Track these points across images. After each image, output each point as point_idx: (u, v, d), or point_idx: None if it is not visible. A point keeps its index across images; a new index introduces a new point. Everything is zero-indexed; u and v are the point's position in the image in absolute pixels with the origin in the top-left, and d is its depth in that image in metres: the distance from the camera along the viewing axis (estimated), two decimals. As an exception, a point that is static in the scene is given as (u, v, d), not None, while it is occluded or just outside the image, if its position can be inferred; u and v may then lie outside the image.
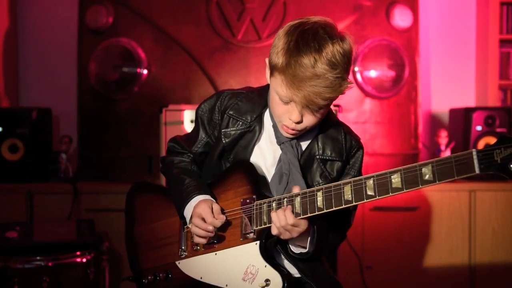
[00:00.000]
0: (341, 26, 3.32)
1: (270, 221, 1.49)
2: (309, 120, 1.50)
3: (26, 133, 3.15)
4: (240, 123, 1.62)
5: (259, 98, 1.64)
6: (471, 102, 3.80)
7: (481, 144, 3.24)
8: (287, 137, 1.57)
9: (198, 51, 3.32)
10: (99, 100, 3.34)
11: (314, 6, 3.33)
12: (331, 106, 1.60)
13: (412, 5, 3.37)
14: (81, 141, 3.37)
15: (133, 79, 3.28)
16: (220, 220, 1.53)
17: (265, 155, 1.62)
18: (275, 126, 1.59)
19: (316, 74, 1.40)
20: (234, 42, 3.32)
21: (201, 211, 1.54)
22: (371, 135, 3.37)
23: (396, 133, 3.39)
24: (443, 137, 3.33)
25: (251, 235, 1.53)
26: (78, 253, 2.61)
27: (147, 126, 3.28)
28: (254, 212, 1.53)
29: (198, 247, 1.63)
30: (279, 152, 1.60)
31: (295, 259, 1.57)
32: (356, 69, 3.33)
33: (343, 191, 1.39)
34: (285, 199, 1.48)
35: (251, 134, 1.62)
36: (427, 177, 1.29)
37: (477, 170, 1.22)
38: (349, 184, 1.38)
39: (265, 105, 1.62)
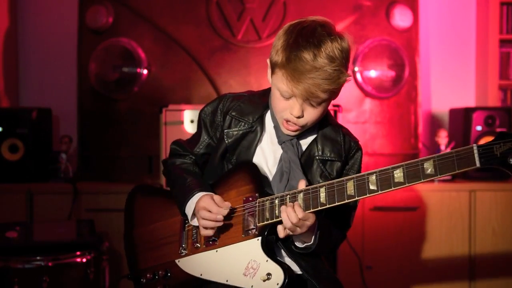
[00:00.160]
0: (341, 26, 3.32)
1: (272, 217, 1.51)
2: (310, 114, 1.54)
3: (26, 133, 3.15)
4: (242, 123, 1.66)
5: (260, 100, 1.68)
6: (471, 102, 3.80)
7: (481, 144, 3.24)
8: (288, 135, 1.60)
9: (198, 51, 3.32)
10: (99, 100, 3.34)
11: (314, 6, 3.33)
12: (331, 107, 1.62)
13: (412, 5, 3.37)
14: (81, 141, 3.37)
15: (133, 79, 3.28)
16: (225, 207, 1.55)
17: (267, 156, 1.65)
18: (276, 127, 1.63)
19: (315, 67, 1.45)
20: (234, 42, 3.32)
21: (204, 204, 1.56)
22: (371, 135, 3.37)
23: (396, 133, 3.39)
24: (443, 137, 3.33)
25: (253, 231, 1.54)
26: (78, 253, 2.61)
27: (147, 126, 3.28)
28: (257, 209, 1.55)
29: (199, 245, 1.64)
30: (280, 152, 1.63)
31: (296, 256, 1.59)
32: (356, 69, 3.33)
33: (346, 187, 1.42)
34: (288, 196, 1.51)
35: (253, 134, 1.65)
36: (429, 171, 1.32)
37: (477, 164, 1.26)
38: (352, 180, 1.42)
39: (266, 107, 1.67)
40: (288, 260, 1.60)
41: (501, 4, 3.60)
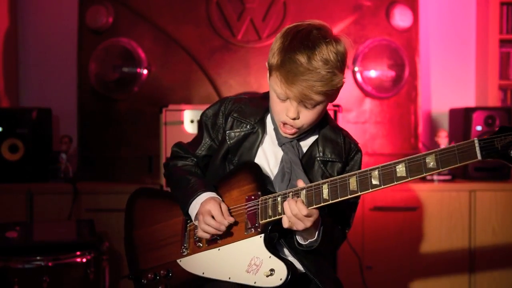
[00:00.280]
0: (341, 26, 3.32)
1: (275, 214, 1.52)
2: (306, 116, 1.55)
3: (26, 133, 3.15)
4: (244, 124, 1.67)
5: (261, 103, 1.70)
6: (471, 102, 3.80)
7: (481, 144, 3.24)
8: (287, 138, 1.62)
9: (198, 51, 3.32)
10: (99, 100, 3.34)
11: (314, 6, 3.33)
12: (331, 107, 1.62)
13: (412, 5, 3.38)
14: (81, 141, 3.37)
15: (133, 79, 3.28)
16: (229, 221, 1.56)
17: (268, 157, 1.67)
18: (276, 129, 1.65)
19: (308, 69, 1.46)
20: (234, 42, 3.32)
21: (210, 208, 1.56)
22: (371, 135, 3.37)
23: (396, 133, 3.39)
24: (443, 137, 3.33)
25: (256, 228, 1.55)
26: (78, 253, 2.61)
27: (147, 126, 3.28)
28: (260, 206, 1.56)
29: (201, 244, 1.64)
30: (280, 153, 1.65)
31: (299, 254, 1.59)
32: (356, 69, 3.33)
33: (349, 182, 1.43)
34: (291, 193, 1.52)
35: (255, 135, 1.67)
36: (431, 165, 1.33)
37: (479, 157, 1.28)
38: (355, 176, 1.43)
39: (267, 109, 1.68)
40: (291, 259, 1.60)
41: (501, 4, 3.60)
